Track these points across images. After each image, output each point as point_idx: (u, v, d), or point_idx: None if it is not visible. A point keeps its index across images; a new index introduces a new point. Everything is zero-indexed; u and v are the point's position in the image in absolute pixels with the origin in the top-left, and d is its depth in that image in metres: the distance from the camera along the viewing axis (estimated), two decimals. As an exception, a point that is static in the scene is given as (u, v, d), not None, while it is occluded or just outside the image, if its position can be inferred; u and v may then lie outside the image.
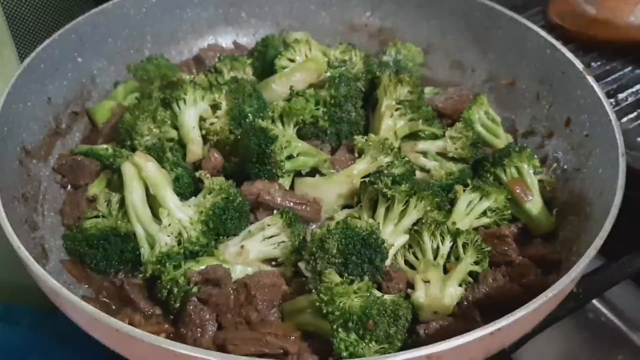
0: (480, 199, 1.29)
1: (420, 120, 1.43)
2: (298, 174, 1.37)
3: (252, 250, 1.23)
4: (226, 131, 1.40)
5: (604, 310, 1.36)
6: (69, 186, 1.42)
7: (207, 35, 1.74)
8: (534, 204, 1.31)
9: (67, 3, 1.57)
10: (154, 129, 1.39)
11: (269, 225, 1.25)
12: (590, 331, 1.34)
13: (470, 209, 1.29)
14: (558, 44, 1.46)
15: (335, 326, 1.07)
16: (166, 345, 0.92)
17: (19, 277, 1.20)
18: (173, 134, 1.41)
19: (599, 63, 1.81)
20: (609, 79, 1.74)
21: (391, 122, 1.43)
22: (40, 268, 1.06)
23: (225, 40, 1.76)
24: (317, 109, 1.41)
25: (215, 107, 1.43)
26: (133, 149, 1.37)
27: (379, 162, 1.34)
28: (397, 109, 1.43)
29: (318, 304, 1.09)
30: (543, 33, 1.49)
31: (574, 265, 1.04)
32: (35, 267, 1.06)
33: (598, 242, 1.07)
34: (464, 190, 1.31)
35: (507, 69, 1.60)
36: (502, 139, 1.50)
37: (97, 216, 1.31)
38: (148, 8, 1.62)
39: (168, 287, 1.17)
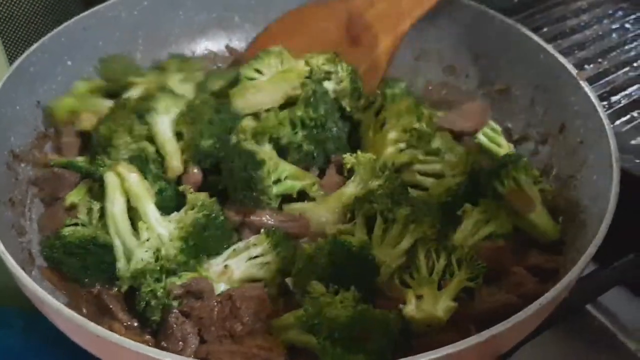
0: (488, 222, 1.26)
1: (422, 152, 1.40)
2: (285, 198, 1.33)
3: (237, 270, 1.20)
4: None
5: (597, 315, 1.35)
6: (45, 199, 1.37)
7: (199, 39, 1.72)
8: (538, 215, 1.28)
9: (58, 5, 1.55)
10: (131, 144, 1.34)
11: (254, 245, 1.22)
12: (583, 336, 1.34)
13: (476, 231, 1.26)
14: (551, 49, 1.45)
15: (321, 339, 1.05)
16: (151, 353, 0.91)
17: (9, 279, 1.19)
18: (151, 149, 1.35)
19: (591, 65, 1.80)
20: (602, 81, 1.74)
21: (393, 150, 1.39)
22: (25, 274, 1.05)
23: (218, 44, 1.75)
24: (296, 133, 1.37)
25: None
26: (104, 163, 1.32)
27: (369, 185, 1.30)
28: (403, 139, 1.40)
29: (304, 317, 1.08)
30: (536, 38, 1.49)
31: (569, 272, 1.03)
32: (19, 272, 1.05)
33: (592, 249, 1.06)
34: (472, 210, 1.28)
35: (501, 74, 1.59)
36: (505, 148, 1.48)
37: (76, 224, 1.28)
38: (140, 11, 1.61)
39: (146, 299, 1.14)
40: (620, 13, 2.03)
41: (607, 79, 1.76)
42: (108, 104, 1.46)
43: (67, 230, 1.25)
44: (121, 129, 1.34)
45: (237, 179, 1.26)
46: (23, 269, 1.07)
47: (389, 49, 1.60)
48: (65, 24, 1.49)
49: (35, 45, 1.42)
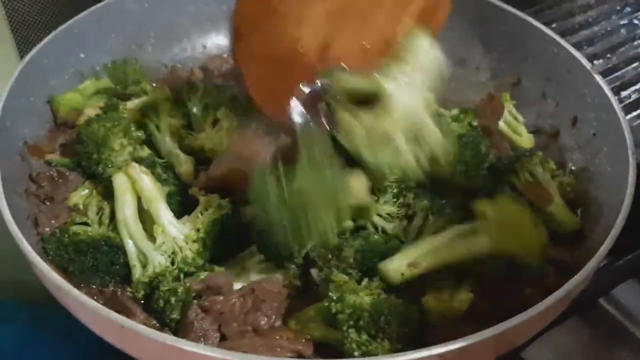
0: None
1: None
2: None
3: (253, 272, 1.20)
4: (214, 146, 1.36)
5: (609, 307, 1.34)
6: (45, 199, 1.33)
7: (210, 32, 1.71)
8: (556, 207, 1.27)
9: (70, 2, 1.55)
10: (128, 146, 1.32)
11: None
12: (595, 330, 1.33)
13: None
14: (564, 42, 1.45)
15: (345, 327, 1.05)
16: (172, 342, 0.91)
17: (12, 273, 1.19)
18: (145, 152, 1.35)
19: (601, 60, 1.80)
20: (611, 76, 1.74)
21: None
22: (45, 264, 1.04)
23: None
24: None
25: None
26: (98, 163, 1.30)
27: None
28: None
29: (327, 304, 1.07)
30: (548, 31, 1.48)
31: (586, 265, 1.03)
32: (39, 262, 1.04)
33: (609, 242, 1.06)
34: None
35: (512, 67, 1.58)
36: (525, 138, 1.48)
37: (85, 223, 1.26)
38: (150, 3, 1.60)
39: (166, 297, 1.13)
40: (628, 9, 2.02)
41: (616, 74, 1.76)
42: None
43: (78, 229, 1.23)
44: (117, 129, 1.31)
45: None
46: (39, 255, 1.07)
47: None
48: (78, 16, 1.48)
49: (48, 38, 1.42)
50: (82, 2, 1.52)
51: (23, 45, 1.69)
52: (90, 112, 1.42)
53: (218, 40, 1.73)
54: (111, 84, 1.52)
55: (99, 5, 1.52)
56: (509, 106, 1.50)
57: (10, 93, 1.30)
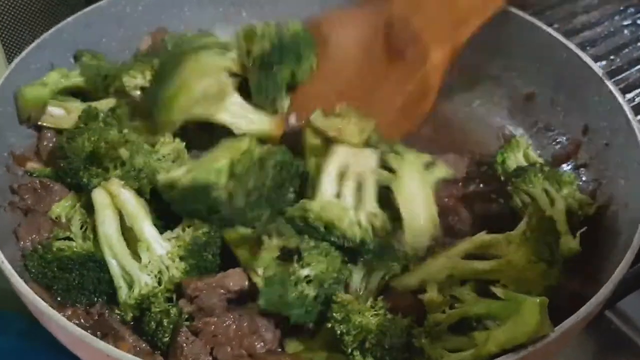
0: None
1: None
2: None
3: None
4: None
5: (615, 320, 1.32)
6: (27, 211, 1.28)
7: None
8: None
9: (59, 5, 1.51)
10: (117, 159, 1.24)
11: None
12: (601, 341, 1.31)
13: None
14: (575, 47, 1.41)
15: (350, 349, 1.02)
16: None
17: (6, 283, 1.15)
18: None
19: (604, 62, 1.78)
20: (615, 79, 1.70)
21: None
22: (24, 284, 1.02)
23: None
24: None
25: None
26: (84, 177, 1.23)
27: None
28: None
29: (330, 325, 1.04)
30: (557, 35, 1.45)
31: (606, 283, 1.00)
32: (19, 283, 1.02)
33: (629, 256, 1.03)
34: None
35: (519, 73, 1.54)
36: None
37: (69, 238, 1.20)
38: (144, 6, 1.55)
39: (158, 319, 1.08)
40: (631, 10, 2.00)
41: (620, 76, 1.74)
42: (79, 105, 1.38)
43: (62, 244, 1.18)
44: (103, 144, 1.24)
45: None
46: (22, 277, 1.04)
47: (443, 63, 1.34)
48: (67, 20, 1.44)
49: (36, 42, 1.38)
50: (72, 5, 1.47)
51: (11, 50, 1.65)
52: (55, 111, 1.37)
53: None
54: (80, 82, 1.43)
55: (89, 8, 1.48)
56: (524, 148, 1.42)
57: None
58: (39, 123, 1.35)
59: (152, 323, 1.08)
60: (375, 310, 1.06)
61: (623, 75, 1.74)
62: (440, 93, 1.39)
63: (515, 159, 1.36)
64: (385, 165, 1.21)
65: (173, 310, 1.08)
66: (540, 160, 1.40)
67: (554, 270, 1.07)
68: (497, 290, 1.00)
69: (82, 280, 1.14)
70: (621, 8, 2.00)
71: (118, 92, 1.40)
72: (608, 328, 1.31)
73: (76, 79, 1.43)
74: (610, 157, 1.30)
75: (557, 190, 1.24)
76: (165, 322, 1.08)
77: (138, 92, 1.39)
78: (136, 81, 1.39)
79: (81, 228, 1.21)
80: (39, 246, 1.19)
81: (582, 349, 1.30)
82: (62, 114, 1.37)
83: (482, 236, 1.14)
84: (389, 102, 1.36)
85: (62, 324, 0.96)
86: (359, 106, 1.26)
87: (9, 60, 1.59)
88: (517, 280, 1.06)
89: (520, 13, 1.51)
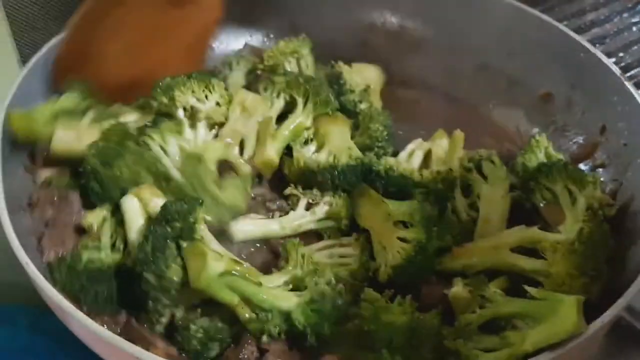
0: None
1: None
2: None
3: None
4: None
5: (625, 315, 1.29)
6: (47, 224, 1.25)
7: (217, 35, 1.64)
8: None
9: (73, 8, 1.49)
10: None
11: None
12: (610, 336, 1.26)
13: None
14: (592, 47, 1.41)
15: (379, 346, 1.02)
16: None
17: (10, 275, 1.15)
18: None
19: (613, 59, 1.78)
20: (625, 75, 1.68)
21: None
22: (51, 286, 1.02)
23: (237, 42, 1.69)
24: None
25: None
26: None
27: None
28: None
29: (358, 322, 1.05)
30: (576, 36, 1.44)
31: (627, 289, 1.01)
32: (46, 286, 1.01)
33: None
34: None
35: (536, 73, 1.53)
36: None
37: (97, 247, 1.17)
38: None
39: (199, 336, 1.06)
40: (640, 6, 2.00)
41: (629, 73, 1.74)
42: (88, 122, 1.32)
43: (91, 255, 1.15)
44: (143, 167, 1.22)
45: None
46: (45, 277, 1.04)
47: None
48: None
49: (52, 41, 1.37)
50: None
51: (25, 49, 1.63)
52: (66, 136, 1.28)
53: (228, 42, 1.69)
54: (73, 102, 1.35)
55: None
56: (546, 146, 1.40)
57: (13, 100, 1.25)
58: (52, 152, 1.29)
59: (194, 341, 1.06)
60: (404, 309, 1.06)
61: (633, 72, 1.75)
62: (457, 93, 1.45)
63: (536, 159, 1.35)
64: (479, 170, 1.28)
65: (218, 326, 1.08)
66: (563, 158, 1.39)
67: (596, 284, 1.08)
68: (532, 290, 1.01)
69: (111, 292, 1.13)
70: (630, 5, 2.01)
71: (142, 106, 1.36)
72: (619, 324, 1.28)
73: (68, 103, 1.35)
74: (629, 158, 1.29)
75: (580, 190, 1.23)
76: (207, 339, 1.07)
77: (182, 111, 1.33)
78: (187, 98, 1.33)
79: (111, 237, 1.18)
80: (68, 255, 1.16)
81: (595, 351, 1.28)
82: (73, 137, 1.29)
83: (535, 231, 1.16)
84: (178, 43, 1.43)
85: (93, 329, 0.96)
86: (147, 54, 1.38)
87: (23, 61, 1.57)
88: (556, 287, 1.07)
89: (538, 13, 1.52)
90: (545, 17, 1.50)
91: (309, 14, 1.67)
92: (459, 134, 1.36)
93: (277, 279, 1.10)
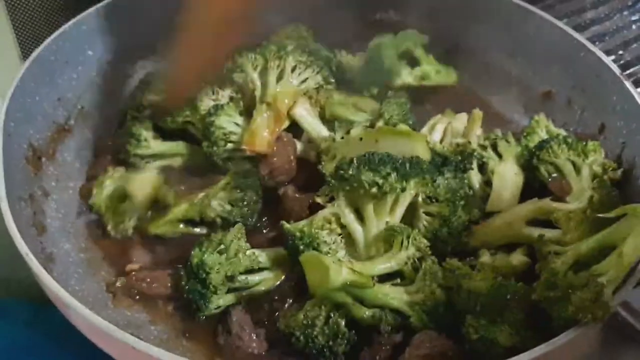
0: None
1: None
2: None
3: None
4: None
5: (621, 311, 1.28)
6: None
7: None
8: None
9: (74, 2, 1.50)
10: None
11: None
12: (606, 332, 1.27)
13: None
14: (592, 46, 1.41)
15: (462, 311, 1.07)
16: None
17: (9, 270, 1.15)
18: None
19: (612, 57, 1.78)
20: (624, 73, 1.67)
21: None
22: (49, 276, 1.03)
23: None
24: None
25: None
26: None
27: None
28: None
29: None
30: (576, 35, 1.44)
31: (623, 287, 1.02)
32: (44, 276, 1.03)
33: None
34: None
35: (537, 72, 1.55)
36: None
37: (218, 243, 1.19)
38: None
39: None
40: (640, 5, 2.00)
41: (628, 71, 1.74)
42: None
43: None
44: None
45: None
46: (45, 269, 1.05)
47: None
48: (87, 11, 1.44)
49: (56, 33, 1.38)
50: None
51: (25, 45, 1.63)
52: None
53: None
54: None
55: (108, 1, 1.47)
56: (546, 125, 1.43)
57: (15, 93, 1.26)
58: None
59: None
60: (484, 275, 1.09)
61: (632, 70, 1.74)
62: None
63: (539, 138, 1.37)
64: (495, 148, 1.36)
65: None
66: (563, 132, 1.41)
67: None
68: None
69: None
70: (629, 3, 2.01)
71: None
72: (615, 320, 1.29)
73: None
74: (627, 157, 1.29)
75: (583, 160, 1.27)
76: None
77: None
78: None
79: None
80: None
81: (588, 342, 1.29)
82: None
83: (547, 202, 1.20)
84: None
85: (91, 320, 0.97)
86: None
87: (25, 55, 1.57)
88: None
89: (538, 11, 1.51)
90: (545, 15, 1.50)
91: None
92: (477, 112, 1.41)
93: (383, 264, 1.13)
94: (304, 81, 1.40)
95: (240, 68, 1.41)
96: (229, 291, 1.18)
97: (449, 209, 1.18)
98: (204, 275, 1.14)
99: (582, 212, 1.13)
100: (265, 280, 1.21)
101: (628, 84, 1.32)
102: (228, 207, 1.29)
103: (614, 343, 1.28)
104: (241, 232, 1.21)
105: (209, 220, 1.30)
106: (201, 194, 1.30)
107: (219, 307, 1.17)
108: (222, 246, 1.17)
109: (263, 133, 1.32)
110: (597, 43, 1.82)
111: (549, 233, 1.16)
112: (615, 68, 1.36)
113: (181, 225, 1.31)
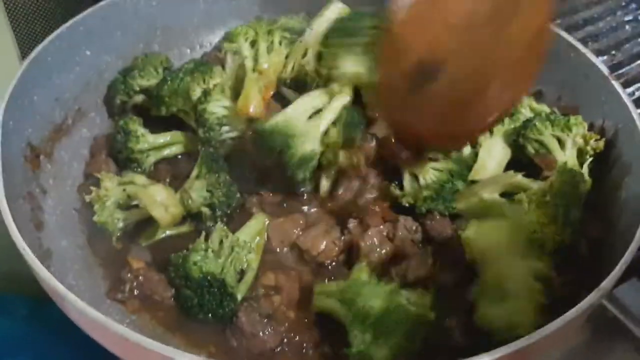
0: None
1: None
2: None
3: None
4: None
5: (610, 307, 1.32)
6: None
7: (218, 30, 1.68)
8: None
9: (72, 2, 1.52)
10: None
11: None
12: (596, 328, 1.31)
13: None
14: (582, 47, 1.42)
15: (353, 321, 1.07)
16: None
17: (8, 265, 1.17)
18: None
19: (605, 57, 1.80)
20: (616, 73, 1.71)
21: None
22: (46, 271, 1.04)
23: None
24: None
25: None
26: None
27: None
28: None
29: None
30: (566, 35, 1.46)
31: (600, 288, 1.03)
32: (42, 270, 1.04)
33: (628, 257, 1.05)
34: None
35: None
36: None
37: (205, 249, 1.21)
38: (159, 1, 1.57)
39: None
40: (633, 5, 2.02)
41: (621, 71, 1.76)
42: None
43: (198, 258, 1.20)
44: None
45: None
46: (42, 264, 1.05)
47: None
48: (84, 13, 1.45)
49: (53, 35, 1.39)
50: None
51: (24, 44, 1.65)
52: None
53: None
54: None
55: (105, 2, 1.49)
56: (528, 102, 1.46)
57: (14, 92, 1.27)
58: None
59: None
60: (384, 295, 1.10)
61: (624, 70, 1.76)
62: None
63: (523, 117, 1.42)
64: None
65: None
66: (546, 109, 1.43)
67: (567, 229, 1.15)
68: None
69: (202, 301, 1.18)
70: (623, 4, 2.02)
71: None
72: (604, 316, 1.32)
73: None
74: (614, 155, 1.31)
75: (567, 134, 1.31)
76: None
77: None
78: None
79: (220, 244, 1.23)
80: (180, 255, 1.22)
81: (577, 338, 1.31)
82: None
83: (519, 179, 1.26)
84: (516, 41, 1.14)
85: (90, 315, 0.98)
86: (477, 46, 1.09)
87: (24, 55, 1.59)
88: (529, 233, 1.16)
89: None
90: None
91: None
92: None
93: None
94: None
95: (232, 39, 1.48)
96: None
97: (456, 166, 1.32)
98: (217, 283, 1.17)
99: (542, 196, 1.17)
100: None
101: (616, 84, 1.33)
102: (207, 194, 1.30)
103: (602, 338, 1.31)
104: (224, 229, 1.24)
105: (194, 213, 1.32)
106: (179, 192, 1.32)
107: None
108: (211, 249, 1.20)
109: (257, 98, 1.37)
110: (590, 43, 1.84)
111: (515, 209, 1.20)
112: (604, 68, 1.37)
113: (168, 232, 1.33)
